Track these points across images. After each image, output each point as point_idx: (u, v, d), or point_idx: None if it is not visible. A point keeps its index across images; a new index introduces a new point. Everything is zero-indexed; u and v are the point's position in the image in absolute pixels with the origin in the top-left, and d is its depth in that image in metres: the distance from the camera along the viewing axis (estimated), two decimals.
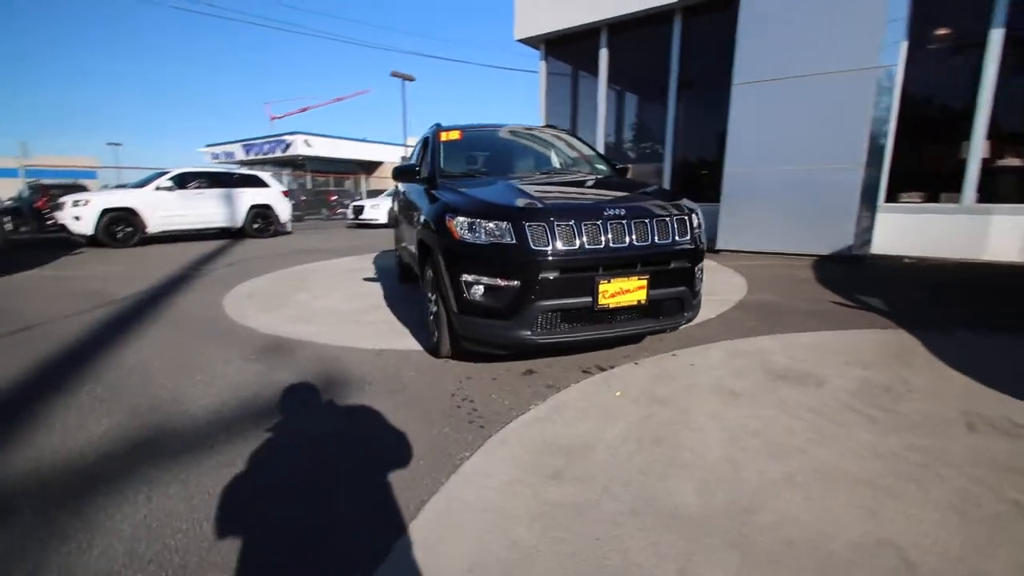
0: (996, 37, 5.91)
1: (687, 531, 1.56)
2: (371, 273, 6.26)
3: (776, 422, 2.26)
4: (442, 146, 3.74)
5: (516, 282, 2.45)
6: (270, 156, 33.24)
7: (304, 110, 47.81)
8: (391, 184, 25.89)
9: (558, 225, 2.48)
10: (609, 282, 2.51)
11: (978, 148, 6.19)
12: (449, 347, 2.95)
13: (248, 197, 11.63)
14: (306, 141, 32.50)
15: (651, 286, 2.60)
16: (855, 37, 5.97)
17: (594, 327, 2.60)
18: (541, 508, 1.69)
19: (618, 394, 2.58)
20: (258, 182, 12.08)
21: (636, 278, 2.56)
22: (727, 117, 7.09)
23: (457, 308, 2.65)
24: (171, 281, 5.97)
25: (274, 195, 12.17)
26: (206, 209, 10.93)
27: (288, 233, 13.00)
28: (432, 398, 2.56)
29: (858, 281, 5.23)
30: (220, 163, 34.40)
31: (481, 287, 2.55)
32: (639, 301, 2.60)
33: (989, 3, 5.87)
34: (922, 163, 6.58)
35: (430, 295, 3.14)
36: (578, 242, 2.49)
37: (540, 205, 2.57)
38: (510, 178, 3.33)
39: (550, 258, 2.44)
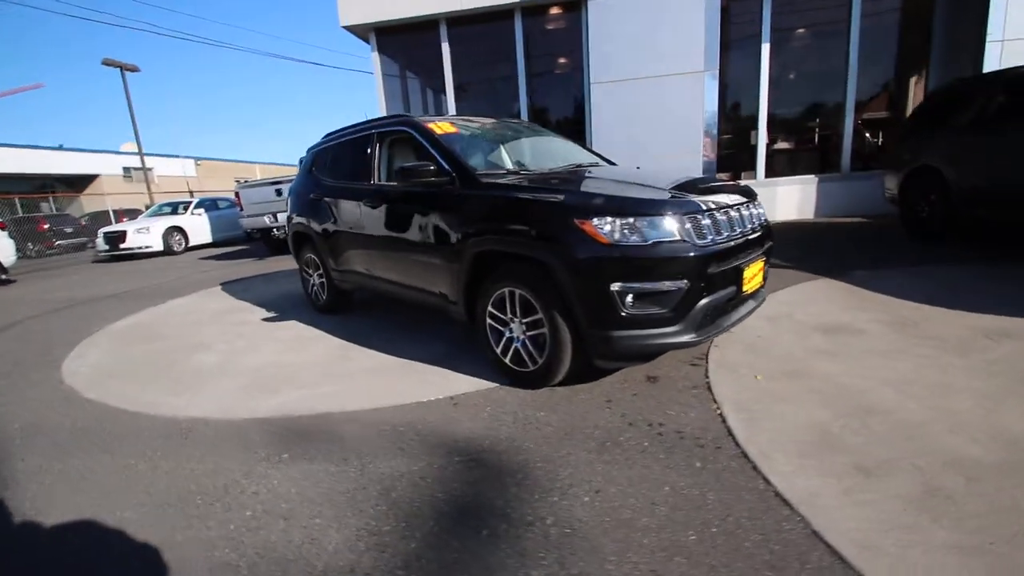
0: (765, 50, 7.74)
1: None
2: (262, 311, 4.85)
3: (901, 368, 2.53)
4: (444, 140, 3.10)
5: (683, 282, 2.21)
6: None
7: None
8: (115, 202, 20.09)
9: (709, 214, 2.33)
10: (748, 268, 2.48)
11: (762, 136, 8.06)
12: (566, 371, 2.50)
13: None
14: None
15: (765, 265, 2.67)
16: (682, 46, 7.08)
17: (729, 316, 2.53)
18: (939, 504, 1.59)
19: (759, 378, 2.58)
20: None
21: (761, 260, 2.60)
22: (581, 109, 7.70)
23: (606, 324, 2.25)
24: None
25: None
26: None
27: (11, 281, 9.16)
28: (618, 433, 2.14)
29: None
30: None
31: (633, 295, 2.23)
32: (760, 283, 2.64)
33: (759, 22, 7.65)
34: (731, 149, 8.24)
35: (513, 319, 2.61)
36: (725, 231, 2.39)
37: (684, 195, 2.36)
38: (565, 174, 2.98)
39: (712, 250, 2.27)
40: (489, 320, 2.73)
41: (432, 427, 2.33)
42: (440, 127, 3.22)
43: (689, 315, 2.27)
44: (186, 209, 13.15)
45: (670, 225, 2.20)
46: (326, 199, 4.00)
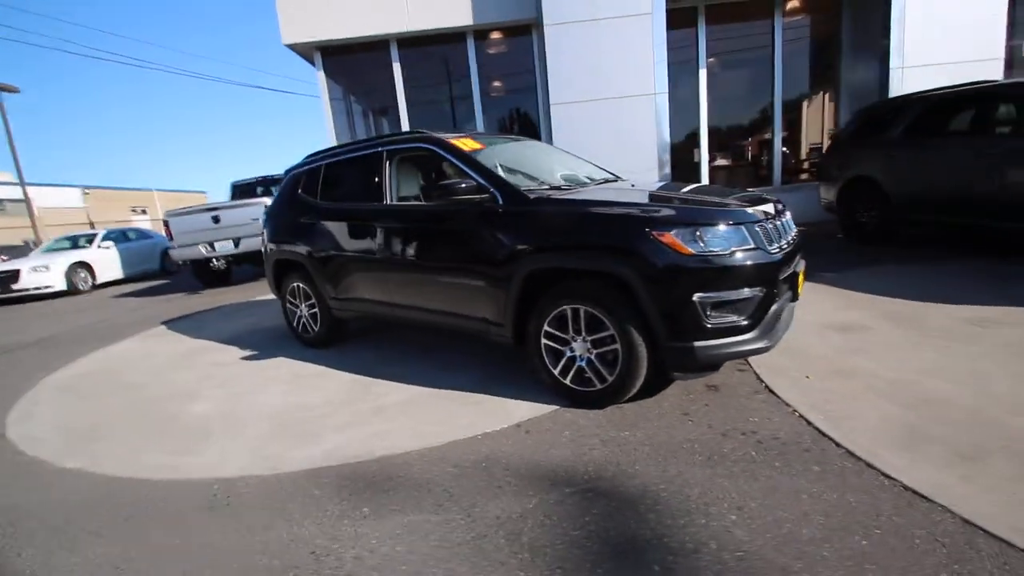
0: (703, 75, 8.34)
1: None
2: (235, 350, 4.34)
3: (928, 359, 2.73)
4: (476, 156, 2.97)
5: (761, 289, 2.25)
6: None
7: None
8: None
9: (771, 221, 2.41)
10: (801, 271, 2.58)
11: (704, 153, 8.62)
12: (639, 386, 2.45)
13: None
14: None
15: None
16: (634, 69, 7.42)
17: (783, 320, 2.61)
18: None
19: (809, 378, 2.67)
20: None
21: (805, 265, 2.71)
22: (537, 128, 7.86)
23: (688, 335, 2.23)
24: None
25: None
26: None
27: None
28: (718, 446, 2.11)
29: None
30: None
31: (713, 304, 2.23)
32: (803, 285, 2.75)
33: (696, 49, 8.23)
34: (677, 165, 8.72)
35: (575, 337, 2.52)
36: (785, 238, 2.48)
37: (746, 205, 2.41)
38: (612, 186, 2.99)
39: (780, 256, 2.34)
40: (545, 340, 2.62)
41: (516, 459, 2.17)
42: (465, 143, 3.09)
43: (763, 322, 2.31)
44: (90, 242, 11.65)
45: (747, 233, 2.25)
46: (323, 222, 3.68)
